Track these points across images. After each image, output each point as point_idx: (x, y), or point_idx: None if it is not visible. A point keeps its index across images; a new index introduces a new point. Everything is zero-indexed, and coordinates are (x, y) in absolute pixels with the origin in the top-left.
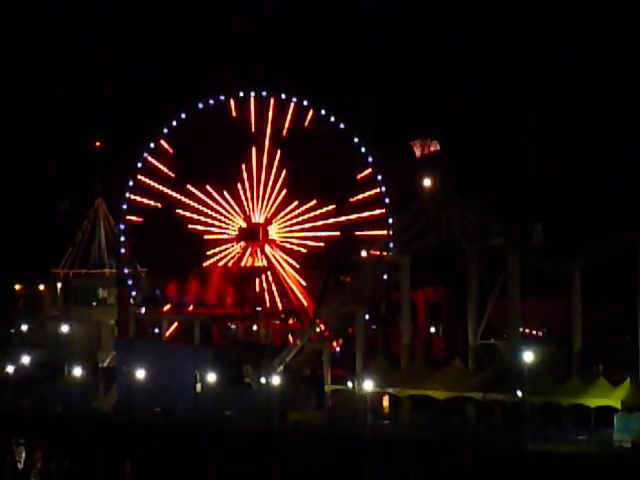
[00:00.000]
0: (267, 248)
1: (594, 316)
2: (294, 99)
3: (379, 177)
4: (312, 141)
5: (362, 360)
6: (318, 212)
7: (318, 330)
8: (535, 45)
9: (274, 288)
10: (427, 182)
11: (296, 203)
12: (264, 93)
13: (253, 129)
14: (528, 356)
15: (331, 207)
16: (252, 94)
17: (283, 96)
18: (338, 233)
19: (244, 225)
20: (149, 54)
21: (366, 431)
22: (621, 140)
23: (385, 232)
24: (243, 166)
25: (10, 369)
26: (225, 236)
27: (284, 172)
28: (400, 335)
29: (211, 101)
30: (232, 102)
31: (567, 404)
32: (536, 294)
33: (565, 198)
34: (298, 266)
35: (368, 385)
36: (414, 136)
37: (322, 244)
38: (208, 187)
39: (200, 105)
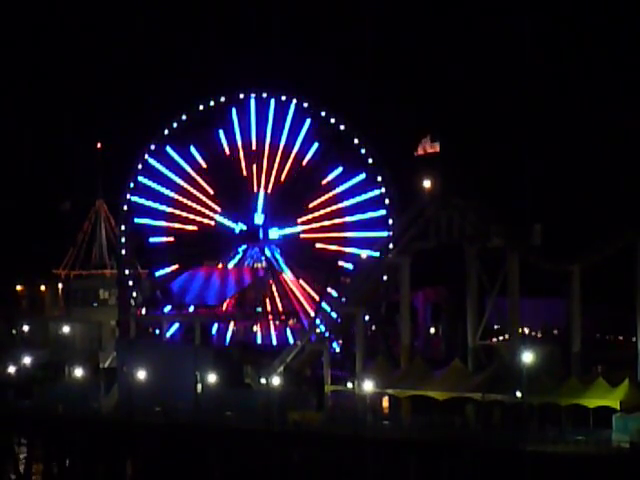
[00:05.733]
0: (267, 249)
1: (593, 316)
2: (294, 100)
3: (379, 178)
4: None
5: (362, 361)
6: (317, 214)
7: (318, 331)
8: (535, 45)
9: (274, 289)
10: (427, 183)
11: (296, 204)
12: (264, 94)
13: (253, 129)
14: (527, 356)
15: (332, 208)
16: (252, 95)
17: (283, 98)
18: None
19: (244, 226)
20: (150, 55)
21: (366, 431)
22: (621, 140)
23: (385, 233)
24: (244, 167)
25: (11, 369)
26: (226, 237)
27: (284, 174)
28: (400, 336)
29: (212, 102)
30: (233, 103)
31: (566, 404)
32: (535, 295)
33: (565, 198)
34: (298, 267)
35: (368, 386)
36: (414, 137)
37: (323, 245)
38: (208, 188)
39: (200, 106)
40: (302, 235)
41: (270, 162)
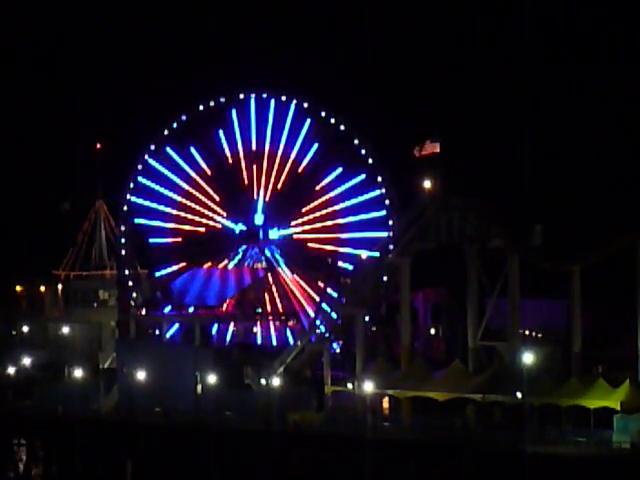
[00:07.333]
0: (267, 249)
1: (593, 317)
2: (294, 101)
3: (379, 179)
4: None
5: (362, 361)
6: (318, 214)
7: (318, 331)
8: (536, 45)
9: (274, 289)
10: (427, 184)
11: (297, 204)
12: (264, 95)
13: (253, 129)
14: (528, 357)
15: (332, 208)
16: (252, 96)
17: (283, 98)
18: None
19: (244, 227)
20: (150, 56)
21: (366, 432)
22: (621, 140)
23: (385, 234)
24: (244, 166)
25: (11, 370)
26: (225, 238)
27: (285, 174)
28: (400, 336)
29: (211, 103)
30: (233, 104)
31: (566, 405)
32: (536, 295)
33: (565, 198)
34: (298, 267)
35: (368, 386)
36: (414, 137)
37: (323, 245)
38: (208, 189)
39: (200, 107)
40: (302, 235)
41: (270, 163)
